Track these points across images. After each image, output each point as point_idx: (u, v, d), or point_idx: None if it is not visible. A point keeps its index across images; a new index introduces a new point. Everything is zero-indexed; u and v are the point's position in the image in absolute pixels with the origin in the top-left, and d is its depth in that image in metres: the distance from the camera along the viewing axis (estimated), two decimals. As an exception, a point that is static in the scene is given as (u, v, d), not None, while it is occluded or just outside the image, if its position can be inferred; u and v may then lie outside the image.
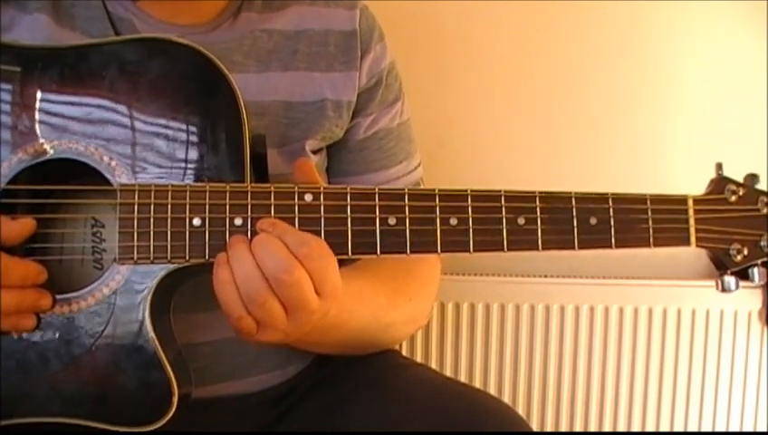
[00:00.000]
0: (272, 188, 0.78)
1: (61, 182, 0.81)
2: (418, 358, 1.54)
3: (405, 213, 0.79)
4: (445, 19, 1.55)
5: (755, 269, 0.86)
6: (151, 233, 0.77)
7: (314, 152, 1.00)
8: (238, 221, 0.77)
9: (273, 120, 0.96)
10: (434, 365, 1.53)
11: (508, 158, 1.59)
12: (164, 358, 0.78)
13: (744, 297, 1.51)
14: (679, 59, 1.55)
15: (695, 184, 0.88)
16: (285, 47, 0.98)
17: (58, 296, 0.79)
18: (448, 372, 1.53)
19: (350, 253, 0.78)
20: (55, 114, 0.81)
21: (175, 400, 0.78)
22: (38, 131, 0.81)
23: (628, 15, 1.54)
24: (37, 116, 0.81)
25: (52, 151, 0.80)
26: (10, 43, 0.83)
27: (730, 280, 0.86)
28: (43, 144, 0.81)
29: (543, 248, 0.81)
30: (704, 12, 1.53)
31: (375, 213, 0.79)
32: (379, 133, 1.04)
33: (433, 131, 1.52)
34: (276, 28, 0.98)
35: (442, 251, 0.80)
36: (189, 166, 0.80)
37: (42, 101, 0.81)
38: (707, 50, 1.55)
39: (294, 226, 0.78)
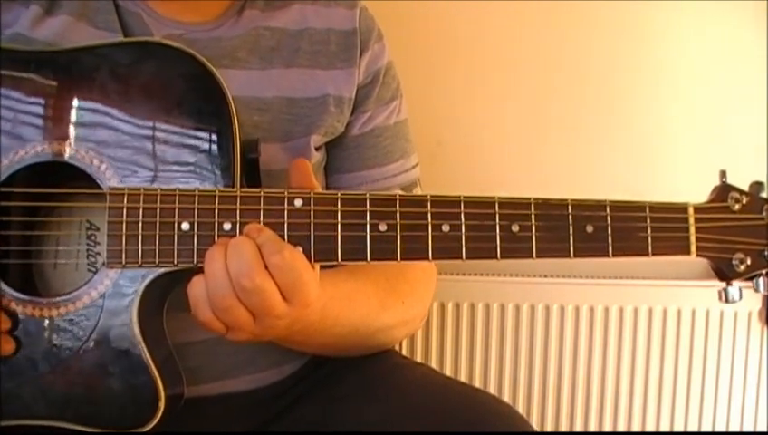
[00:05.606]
0: (261, 193, 0.77)
1: (54, 185, 0.81)
2: (418, 358, 1.54)
3: (396, 219, 0.78)
4: (444, 20, 1.54)
5: (761, 279, 0.85)
6: (140, 237, 0.77)
7: (317, 149, 1.00)
8: (227, 226, 0.77)
9: (275, 116, 0.96)
10: (434, 365, 1.52)
11: (507, 158, 1.58)
12: (151, 362, 0.78)
13: (745, 297, 1.48)
14: (682, 63, 1.54)
15: (700, 192, 0.86)
16: (288, 45, 0.99)
17: (46, 299, 0.79)
18: (448, 372, 1.53)
19: (339, 259, 0.77)
20: (46, 117, 0.81)
21: (161, 404, 0.77)
22: (31, 135, 0.81)
23: (629, 18, 1.53)
24: (29, 119, 0.81)
25: (44, 155, 0.80)
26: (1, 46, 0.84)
27: (734, 291, 0.85)
28: (35, 148, 0.80)
29: (538, 256, 0.79)
30: (704, 13, 1.52)
31: (365, 219, 0.78)
32: (375, 131, 1.04)
33: (432, 132, 1.52)
34: (279, 26, 0.99)
35: (433, 258, 0.78)
36: (180, 169, 0.79)
37: (33, 104, 0.81)
38: (709, 53, 1.54)
39: (284, 231, 0.77)
